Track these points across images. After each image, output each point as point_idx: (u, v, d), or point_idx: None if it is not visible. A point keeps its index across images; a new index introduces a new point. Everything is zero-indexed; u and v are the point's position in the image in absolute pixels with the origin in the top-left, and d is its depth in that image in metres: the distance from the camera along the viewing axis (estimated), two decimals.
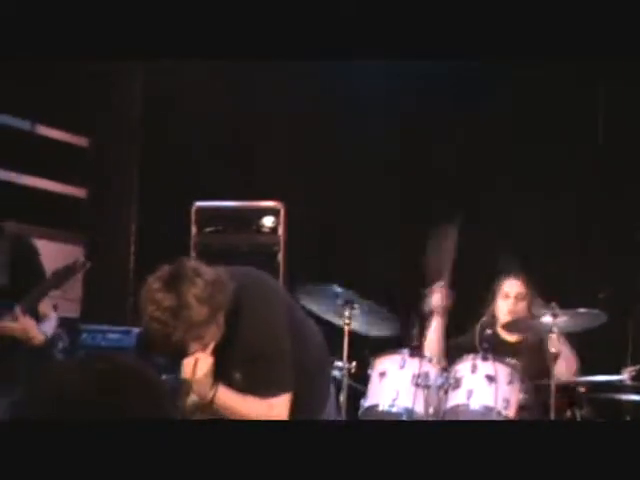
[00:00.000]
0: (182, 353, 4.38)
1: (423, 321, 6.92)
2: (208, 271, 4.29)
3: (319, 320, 5.83)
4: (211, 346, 4.35)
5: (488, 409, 6.20)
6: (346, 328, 6.70)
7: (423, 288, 6.94)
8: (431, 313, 6.87)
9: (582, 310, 6.39)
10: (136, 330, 7.39)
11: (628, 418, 6.47)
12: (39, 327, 5.61)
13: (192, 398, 4.49)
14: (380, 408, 6.36)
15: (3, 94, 7.95)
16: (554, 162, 8.12)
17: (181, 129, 8.79)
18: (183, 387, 4.47)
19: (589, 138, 7.95)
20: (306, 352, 4.59)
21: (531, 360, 6.60)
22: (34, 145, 8.44)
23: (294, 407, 4.45)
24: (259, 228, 8.14)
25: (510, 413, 6.23)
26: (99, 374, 2.06)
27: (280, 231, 8.12)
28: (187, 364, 4.40)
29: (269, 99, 8.76)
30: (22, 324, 5.48)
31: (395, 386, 6.38)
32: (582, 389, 6.51)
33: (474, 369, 6.31)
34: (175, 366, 4.55)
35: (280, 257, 8.07)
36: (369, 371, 6.53)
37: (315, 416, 4.69)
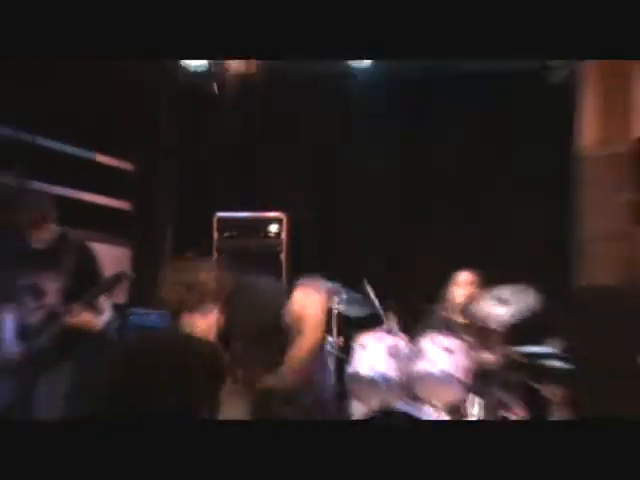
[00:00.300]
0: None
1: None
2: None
3: None
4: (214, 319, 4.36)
5: (445, 373, 6.22)
6: (335, 311, 6.86)
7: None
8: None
9: (518, 296, 6.32)
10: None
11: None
12: (97, 319, 5.51)
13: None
14: (361, 373, 6.37)
15: (69, 128, 7.96)
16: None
17: (209, 156, 8.82)
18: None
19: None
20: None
21: (478, 336, 6.58)
22: (93, 169, 8.40)
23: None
24: (266, 234, 8.23)
25: (462, 376, 6.24)
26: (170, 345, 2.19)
27: (283, 236, 8.21)
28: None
29: (274, 122, 8.68)
30: (82, 318, 5.39)
31: (373, 356, 6.39)
32: (518, 358, 6.54)
33: (435, 342, 6.32)
34: None
35: (283, 256, 8.17)
36: (352, 344, 6.54)
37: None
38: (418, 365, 6.34)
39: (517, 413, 6.45)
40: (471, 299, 6.86)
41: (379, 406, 6.33)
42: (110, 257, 6.86)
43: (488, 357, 6.54)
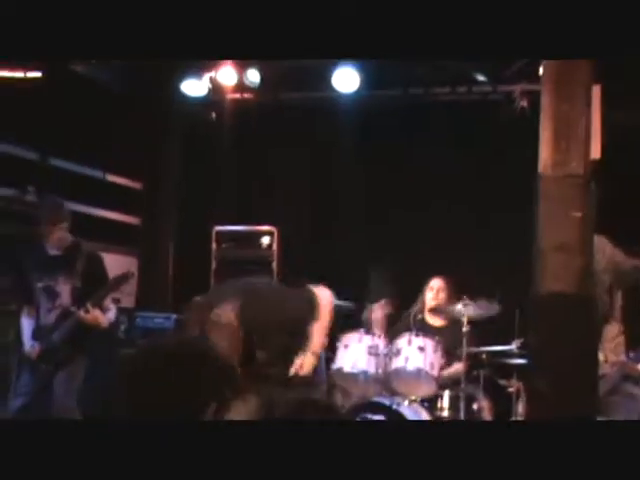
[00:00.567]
0: None
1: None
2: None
3: None
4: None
5: (419, 370, 6.23)
6: None
7: (368, 303, 6.85)
8: (369, 323, 6.76)
9: (484, 302, 6.40)
10: (174, 316, 7.46)
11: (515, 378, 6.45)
12: (105, 317, 5.56)
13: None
14: (344, 370, 6.37)
15: (84, 152, 8.00)
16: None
17: (206, 177, 8.80)
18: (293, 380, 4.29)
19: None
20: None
21: (448, 338, 6.57)
22: (105, 187, 8.45)
23: None
24: (259, 245, 8.20)
25: (435, 373, 6.25)
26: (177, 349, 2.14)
27: (274, 247, 8.18)
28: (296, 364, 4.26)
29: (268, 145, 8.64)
30: (92, 315, 5.41)
31: (355, 354, 6.38)
32: (484, 356, 6.51)
33: (409, 342, 6.31)
34: None
35: (274, 265, 8.15)
36: (337, 343, 6.52)
37: None
38: (395, 363, 6.32)
39: (483, 406, 6.46)
40: (443, 302, 6.85)
41: (360, 399, 6.36)
42: (119, 266, 6.85)
43: (457, 366, 6.50)
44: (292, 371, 4.45)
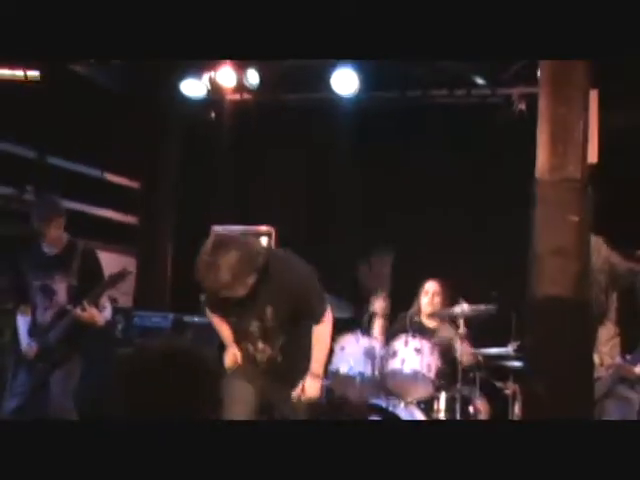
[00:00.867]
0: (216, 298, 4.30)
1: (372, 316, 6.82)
2: (243, 245, 4.14)
3: None
4: (244, 292, 4.19)
5: (416, 372, 6.19)
6: None
7: (368, 296, 6.86)
8: (374, 314, 6.80)
9: (481, 305, 6.40)
10: (171, 315, 7.45)
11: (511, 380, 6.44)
12: (101, 315, 5.54)
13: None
14: (341, 372, 6.32)
15: (83, 151, 8.02)
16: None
17: (204, 177, 8.83)
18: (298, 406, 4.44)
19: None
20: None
21: (445, 339, 6.58)
22: (103, 186, 8.46)
23: None
24: None
25: (432, 375, 6.21)
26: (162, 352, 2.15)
27: (271, 247, 8.11)
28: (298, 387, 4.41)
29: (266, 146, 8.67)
30: (89, 313, 5.40)
31: (351, 356, 6.34)
32: (480, 358, 6.50)
33: (406, 344, 6.27)
34: None
35: None
36: (333, 345, 6.34)
37: None
38: (391, 364, 6.30)
39: (480, 409, 6.46)
40: (439, 305, 6.86)
41: (357, 401, 6.35)
42: (117, 265, 6.84)
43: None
44: (294, 395, 4.47)
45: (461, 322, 6.40)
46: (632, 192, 6.76)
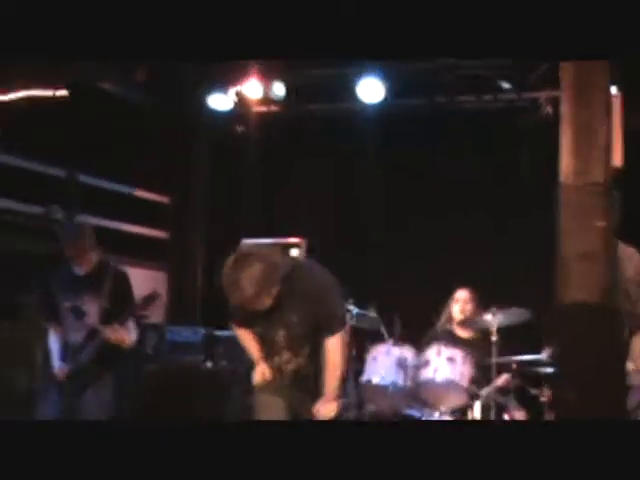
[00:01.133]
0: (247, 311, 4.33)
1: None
2: (265, 257, 4.19)
3: None
4: (269, 303, 4.24)
5: (449, 380, 6.19)
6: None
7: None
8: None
9: (513, 309, 6.39)
10: (202, 330, 7.49)
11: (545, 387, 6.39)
12: (130, 336, 5.55)
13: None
14: (374, 382, 6.35)
15: (111, 168, 8.09)
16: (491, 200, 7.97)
17: (233, 190, 8.91)
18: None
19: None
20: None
21: (478, 350, 6.52)
22: (132, 202, 8.53)
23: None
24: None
25: (465, 384, 6.21)
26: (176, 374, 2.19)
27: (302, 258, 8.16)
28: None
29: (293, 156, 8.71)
30: (118, 334, 5.45)
31: (383, 366, 6.35)
32: (514, 365, 6.47)
33: (439, 353, 6.27)
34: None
35: None
36: (365, 355, 6.52)
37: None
38: (424, 374, 6.30)
39: (515, 416, 6.43)
40: (470, 314, 6.84)
41: (390, 411, 6.35)
42: (149, 280, 6.93)
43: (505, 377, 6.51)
44: (308, 416, 4.48)
45: (493, 329, 6.37)
46: None
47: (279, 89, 8.01)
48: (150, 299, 5.59)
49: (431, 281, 7.35)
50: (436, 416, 6.19)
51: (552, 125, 6.74)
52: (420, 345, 6.62)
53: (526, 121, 7.56)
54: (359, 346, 6.74)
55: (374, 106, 7.93)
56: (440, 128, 7.96)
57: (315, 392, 4.56)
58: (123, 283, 5.69)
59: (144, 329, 6.04)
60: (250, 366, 4.79)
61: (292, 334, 4.50)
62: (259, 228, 8.43)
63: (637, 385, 5.47)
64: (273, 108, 8.45)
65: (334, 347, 4.47)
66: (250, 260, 4.14)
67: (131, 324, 5.63)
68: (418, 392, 6.35)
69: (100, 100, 7.73)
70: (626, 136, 5.63)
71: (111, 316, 5.49)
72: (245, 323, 4.68)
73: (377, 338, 6.73)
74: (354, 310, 6.80)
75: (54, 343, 5.65)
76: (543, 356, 6.38)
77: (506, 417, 6.43)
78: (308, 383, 4.60)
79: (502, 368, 6.49)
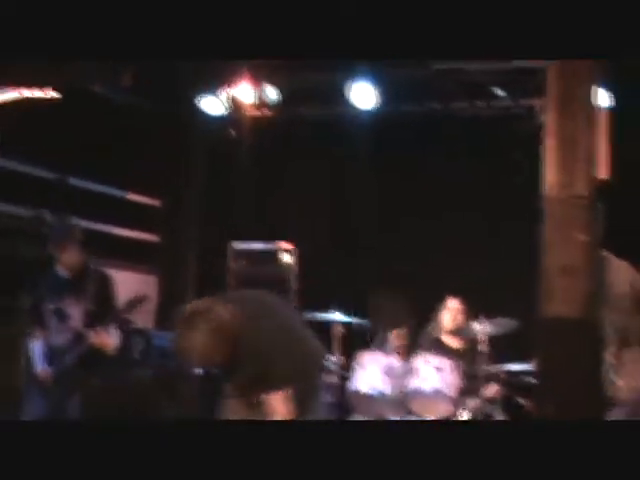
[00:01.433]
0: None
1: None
2: (211, 318, 4.02)
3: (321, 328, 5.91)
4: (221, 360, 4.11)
5: (437, 390, 6.22)
6: (339, 334, 6.91)
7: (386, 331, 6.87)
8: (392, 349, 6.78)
9: (501, 319, 6.44)
10: None
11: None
12: (112, 340, 5.52)
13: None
14: (361, 391, 6.38)
15: (103, 171, 8.11)
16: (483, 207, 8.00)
17: (226, 194, 8.92)
18: None
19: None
20: (304, 354, 4.32)
21: (466, 358, 6.57)
22: (124, 206, 8.54)
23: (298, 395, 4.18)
24: (279, 262, 8.19)
25: (452, 393, 6.25)
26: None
27: (293, 264, 8.19)
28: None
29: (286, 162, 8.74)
30: (102, 338, 5.44)
31: (371, 375, 6.38)
32: (502, 374, 6.50)
33: (426, 362, 6.31)
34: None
35: (292, 282, 8.14)
36: (353, 364, 6.55)
37: (313, 400, 4.36)
38: (412, 382, 6.32)
39: None
40: (459, 323, 6.86)
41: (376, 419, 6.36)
42: (139, 284, 6.92)
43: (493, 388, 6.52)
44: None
45: (481, 338, 6.42)
46: None
47: (271, 93, 8.01)
48: (135, 302, 5.60)
49: (423, 284, 7.35)
50: None
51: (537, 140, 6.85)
52: (409, 349, 6.70)
53: (521, 128, 7.54)
54: (347, 354, 6.77)
55: (367, 111, 7.92)
56: (434, 134, 7.98)
57: None
58: (107, 286, 5.69)
59: (129, 334, 5.98)
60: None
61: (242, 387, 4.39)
62: (252, 231, 8.49)
63: (628, 401, 5.46)
64: (266, 112, 8.45)
65: (275, 405, 4.21)
66: (196, 322, 4.01)
67: (112, 329, 5.61)
68: (405, 401, 6.37)
69: (92, 103, 7.73)
70: (616, 149, 5.61)
71: (95, 319, 5.49)
72: None
73: (365, 345, 6.77)
74: (342, 317, 6.84)
75: (37, 346, 5.66)
76: (532, 366, 6.34)
77: None
78: None
79: (490, 377, 6.51)
